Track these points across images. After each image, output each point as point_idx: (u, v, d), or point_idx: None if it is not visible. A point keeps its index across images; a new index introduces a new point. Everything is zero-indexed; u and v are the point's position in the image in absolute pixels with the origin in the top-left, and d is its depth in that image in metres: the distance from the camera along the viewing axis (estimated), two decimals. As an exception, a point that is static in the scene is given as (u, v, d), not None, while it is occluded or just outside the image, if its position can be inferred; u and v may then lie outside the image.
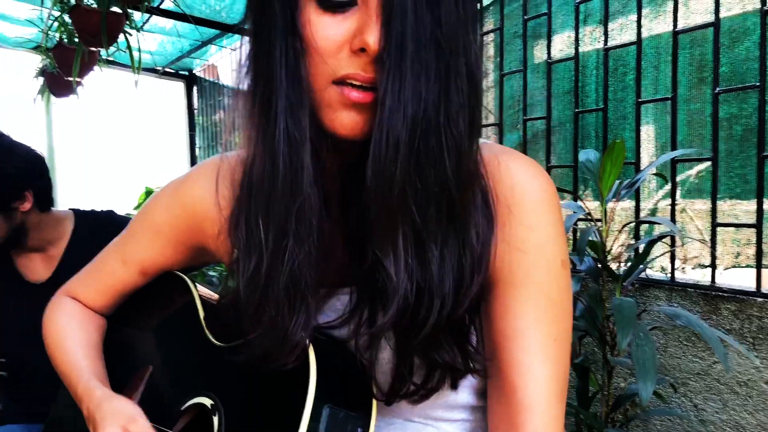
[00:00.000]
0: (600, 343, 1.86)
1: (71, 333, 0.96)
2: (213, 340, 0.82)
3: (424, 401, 0.71)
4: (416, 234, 0.63)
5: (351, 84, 0.62)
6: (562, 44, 2.71)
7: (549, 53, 2.57)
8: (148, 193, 4.76)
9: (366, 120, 0.62)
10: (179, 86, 5.43)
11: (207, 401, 0.79)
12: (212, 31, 4.09)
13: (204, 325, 0.85)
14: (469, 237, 0.66)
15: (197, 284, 0.93)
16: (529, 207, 0.70)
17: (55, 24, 2.76)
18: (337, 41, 0.61)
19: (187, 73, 5.35)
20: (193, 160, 5.48)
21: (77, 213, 1.81)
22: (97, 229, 1.77)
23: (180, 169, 5.34)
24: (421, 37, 0.58)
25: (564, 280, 0.71)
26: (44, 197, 1.71)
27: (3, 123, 1.65)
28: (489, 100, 2.90)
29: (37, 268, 1.74)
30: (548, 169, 2.53)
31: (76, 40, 2.68)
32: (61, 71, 2.94)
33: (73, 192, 4.96)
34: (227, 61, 4.78)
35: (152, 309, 0.97)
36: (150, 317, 0.98)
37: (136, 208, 4.83)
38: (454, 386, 0.71)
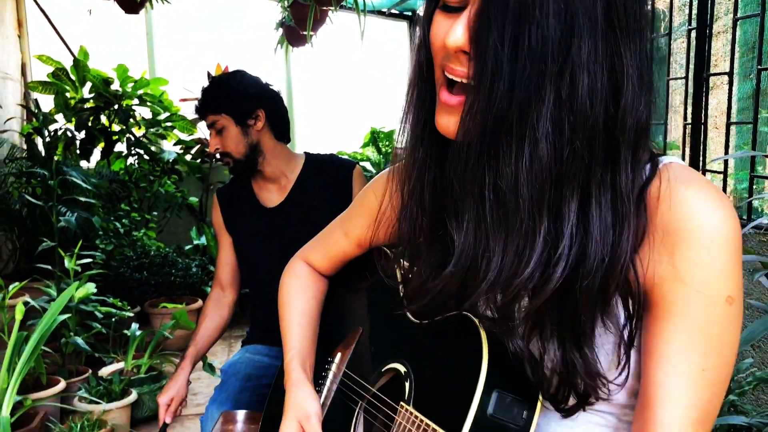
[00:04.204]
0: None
1: (294, 301, 1.18)
2: (410, 316, 0.96)
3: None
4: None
5: (449, 79, 0.70)
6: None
7: (794, -7, 2.29)
8: (373, 133, 5.08)
9: (456, 122, 0.69)
10: (402, 26, 5.63)
11: (401, 368, 0.94)
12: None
13: (404, 303, 1.00)
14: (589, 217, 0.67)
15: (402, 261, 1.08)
16: (699, 244, 0.68)
17: (292, -18, 3.07)
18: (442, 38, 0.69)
19: (410, 13, 5.51)
20: (415, 100, 5.65)
21: (308, 154, 2.16)
22: (322, 168, 2.10)
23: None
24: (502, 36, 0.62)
25: (725, 317, 0.69)
26: (277, 125, 2.06)
27: (250, 69, 1.97)
28: (719, 46, 2.68)
29: (271, 195, 2.10)
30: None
31: (310, -3, 2.95)
32: (297, 26, 3.25)
33: (308, 133, 5.45)
34: None
35: (365, 275, 1.15)
36: (362, 282, 1.17)
37: (363, 146, 5.19)
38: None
